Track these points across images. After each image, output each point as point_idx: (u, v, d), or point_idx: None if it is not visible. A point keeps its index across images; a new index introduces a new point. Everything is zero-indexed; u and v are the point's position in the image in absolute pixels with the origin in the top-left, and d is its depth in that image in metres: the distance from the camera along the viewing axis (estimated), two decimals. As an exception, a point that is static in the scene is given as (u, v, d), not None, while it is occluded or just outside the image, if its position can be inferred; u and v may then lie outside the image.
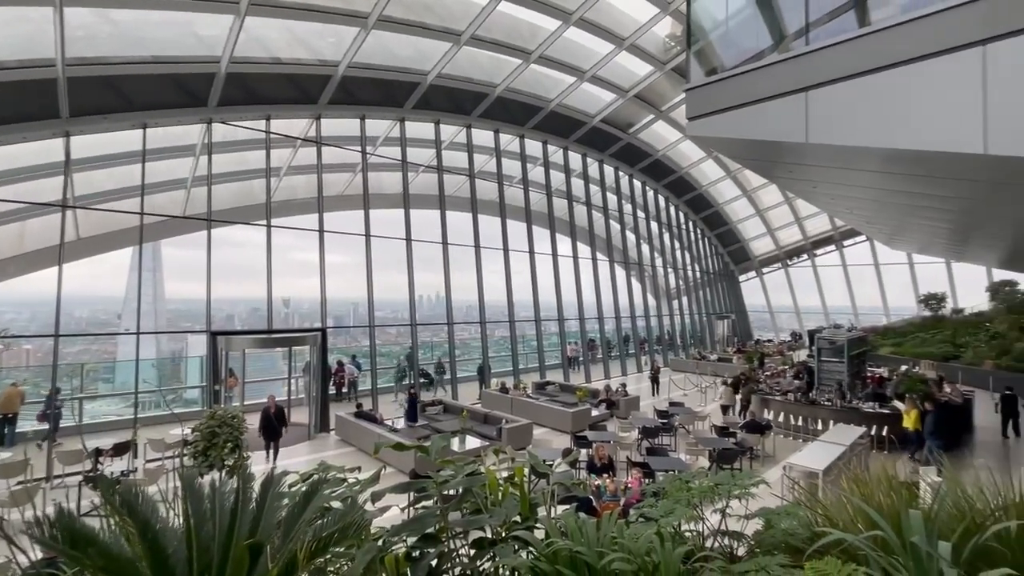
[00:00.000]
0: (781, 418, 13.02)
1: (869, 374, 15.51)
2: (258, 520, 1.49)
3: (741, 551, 3.32)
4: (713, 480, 2.96)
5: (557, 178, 22.49)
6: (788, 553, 2.95)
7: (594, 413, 13.86)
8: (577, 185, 23.39)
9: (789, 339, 32.61)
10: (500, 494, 2.67)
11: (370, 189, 16.67)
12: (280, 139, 15.46)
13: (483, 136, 19.68)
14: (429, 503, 2.53)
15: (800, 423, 12.72)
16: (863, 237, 29.27)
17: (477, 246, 18.55)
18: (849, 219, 19.29)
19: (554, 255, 21.18)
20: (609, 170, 25.10)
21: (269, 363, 19.27)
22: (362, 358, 18.20)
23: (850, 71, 5.67)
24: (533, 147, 21.34)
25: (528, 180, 20.86)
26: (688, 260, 31.17)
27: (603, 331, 23.16)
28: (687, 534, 3.34)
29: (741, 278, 36.91)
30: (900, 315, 29.01)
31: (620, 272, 25.10)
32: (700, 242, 32.93)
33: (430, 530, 2.27)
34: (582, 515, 2.29)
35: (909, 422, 10.64)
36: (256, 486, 1.89)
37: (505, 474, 2.97)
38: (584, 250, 23.15)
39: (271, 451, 10.86)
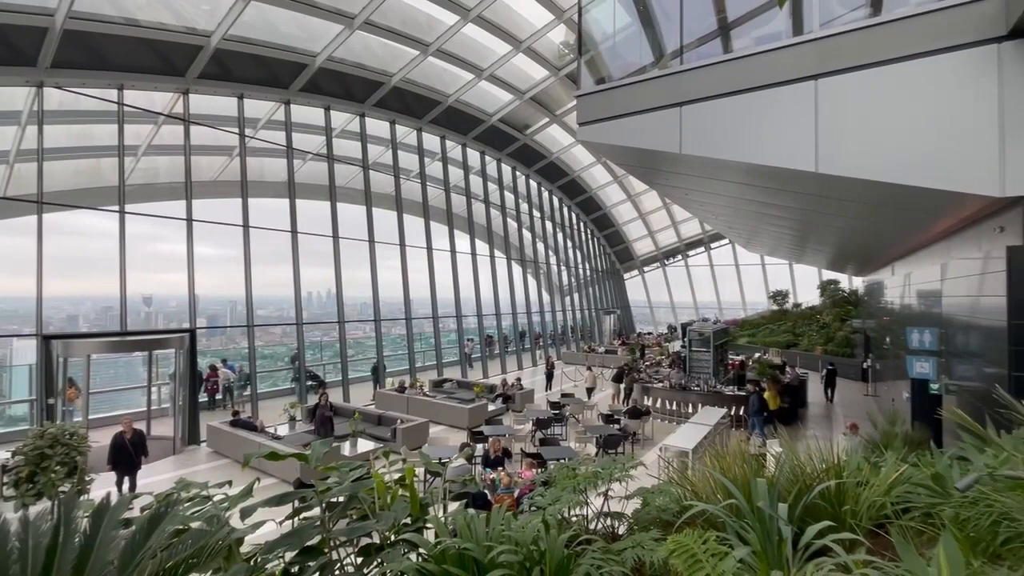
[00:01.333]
0: (659, 404, 14.27)
1: (730, 361, 17.59)
2: (87, 555, 1.25)
3: (622, 529, 3.57)
4: (596, 466, 3.14)
5: (455, 174, 22.39)
6: (661, 527, 3.22)
7: (491, 408, 14.05)
8: (475, 182, 23.49)
9: (666, 332, 35.83)
10: (389, 497, 2.59)
11: (250, 176, 15.20)
12: (137, 113, 13.46)
13: (378, 126, 18.94)
14: (313, 513, 2.37)
15: (675, 407, 14.04)
16: (726, 240, 33.11)
17: (371, 240, 17.83)
18: (715, 224, 21.69)
19: (452, 251, 21.07)
20: (507, 169, 25.57)
21: (126, 370, 16.79)
22: (242, 361, 16.58)
23: (716, 91, 6.35)
24: (431, 141, 21.01)
25: (426, 175, 20.50)
26: (579, 259, 32.86)
27: (500, 327, 23.57)
28: (573, 519, 3.51)
29: (625, 276, 39.79)
30: (755, 309, 33.32)
31: (517, 269, 25.72)
32: (590, 242, 34.89)
33: (312, 542, 2.12)
34: (471, 511, 2.29)
35: (772, 402, 12.21)
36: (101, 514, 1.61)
37: (397, 476, 2.88)
38: (482, 247, 23.35)
39: (127, 486, 8.95)
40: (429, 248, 19.94)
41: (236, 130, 14.98)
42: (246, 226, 14.65)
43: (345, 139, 18.37)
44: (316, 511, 2.22)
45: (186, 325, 13.38)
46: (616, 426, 11.45)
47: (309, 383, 16.97)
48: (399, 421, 11.90)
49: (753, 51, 6.16)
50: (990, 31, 4.72)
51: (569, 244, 31.68)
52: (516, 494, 6.78)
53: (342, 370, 16.67)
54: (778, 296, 30.18)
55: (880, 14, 5.84)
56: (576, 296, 32.16)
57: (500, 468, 8.00)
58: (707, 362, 15.23)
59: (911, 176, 5.15)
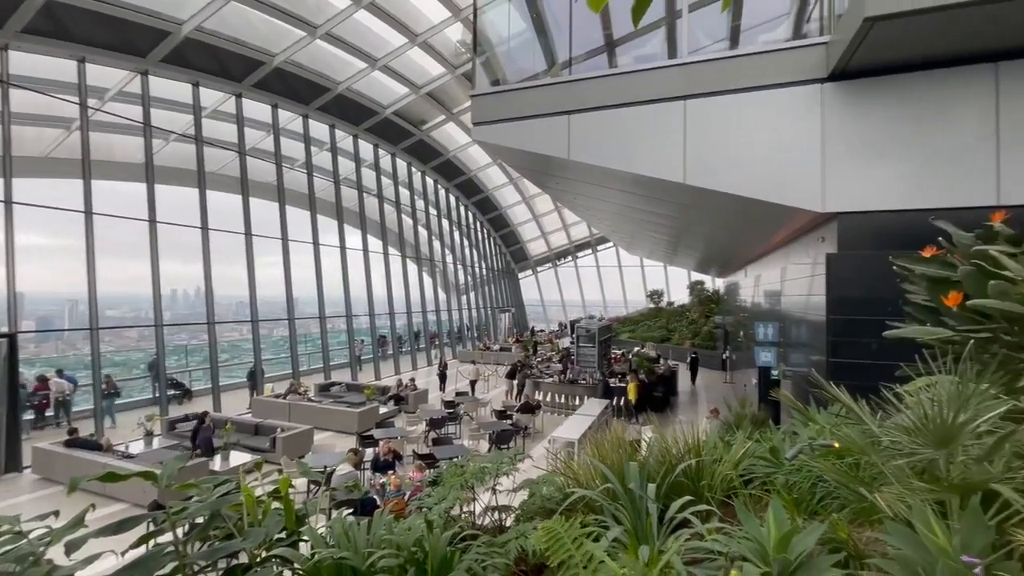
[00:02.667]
0: (549, 398, 14.88)
1: (613, 355, 18.92)
2: None
3: (510, 521, 3.66)
4: (484, 462, 3.19)
5: (346, 166, 21.29)
6: (546, 515, 3.35)
7: (382, 410, 13.59)
8: (368, 176, 22.55)
9: (557, 329, 37.49)
10: (261, 512, 2.39)
11: (96, 154, 13.03)
12: (-69, 67, 10.88)
13: (258, 109, 17.34)
14: (166, 538, 2.10)
15: (563, 400, 14.74)
16: (611, 243, 35.52)
17: (248, 233, 16.28)
18: (601, 228, 23.17)
19: (342, 247, 20.00)
20: (402, 164, 24.90)
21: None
22: (84, 370, 14.18)
23: (601, 103, 6.77)
24: (319, 130, 19.74)
25: (313, 165, 19.20)
26: (476, 257, 33.11)
27: (394, 326, 22.89)
28: (464, 515, 3.52)
29: (520, 275, 40.94)
30: (635, 307, 36.18)
31: (412, 267, 25.18)
32: (486, 241, 35.31)
33: (164, 571, 1.88)
34: (350, 518, 2.20)
35: (632, 393, 13.23)
36: None
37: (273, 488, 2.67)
38: (375, 243, 22.50)
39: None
40: (316, 243, 18.73)
41: (76, 99, 12.76)
42: (88, 212, 12.56)
43: (219, 120, 16.56)
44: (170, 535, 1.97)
45: (3, 328, 11.12)
46: (508, 421, 11.73)
47: (171, 392, 15.06)
48: (279, 430, 11.02)
49: (633, 69, 6.67)
50: (816, 73, 5.62)
51: (465, 243, 31.76)
52: (407, 496, 6.64)
53: (212, 377, 15.02)
54: (654, 295, 33.10)
55: (736, 48, 6.66)
56: (472, 295, 32.35)
57: (390, 472, 7.78)
58: (593, 356, 16.21)
59: (759, 191, 5.95)
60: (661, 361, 17.96)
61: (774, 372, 8.36)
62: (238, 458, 9.46)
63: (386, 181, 23.76)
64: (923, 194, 5.18)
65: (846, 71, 5.36)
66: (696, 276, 30.86)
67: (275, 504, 2.55)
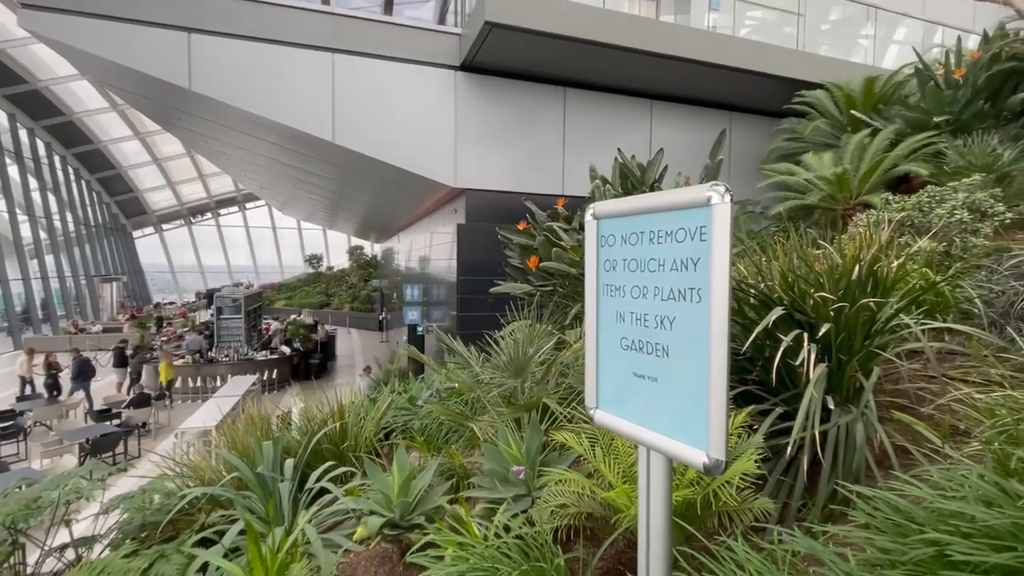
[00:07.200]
0: (179, 383, 12.34)
1: (264, 326, 17.21)
2: None
3: (102, 553, 2.82)
4: (34, 491, 2.29)
5: None
6: (153, 531, 2.71)
7: None
8: None
9: (193, 300, 31.36)
10: None
11: None
12: None
13: None
14: None
15: (201, 384, 12.52)
16: (263, 201, 31.79)
17: None
18: (247, 183, 20.36)
19: None
20: None
21: None
22: None
23: (236, 31, 5.71)
24: None
25: None
26: (55, 207, 23.76)
27: None
28: (7, 568, 2.52)
29: (136, 234, 32.00)
30: (292, 272, 33.80)
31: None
32: (75, 185, 25.77)
33: None
34: None
35: (164, 374, 11.53)
36: None
37: None
38: None
39: None
40: None
41: None
42: None
43: None
44: None
45: None
46: (115, 422, 9.11)
47: None
48: None
49: (277, 1, 5.88)
50: (452, 60, 6.27)
51: (34, 184, 22.29)
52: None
53: None
54: (313, 259, 31.80)
55: (389, 15, 6.74)
56: (51, 258, 23.22)
57: None
58: (239, 329, 14.31)
59: (405, 162, 6.30)
60: (319, 327, 17.43)
61: (419, 328, 9.30)
62: None
63: None
64: (521, 180, 6.59)
65: (474, 65, 6.19)
66: (356, 241, 31.13)
67: None
